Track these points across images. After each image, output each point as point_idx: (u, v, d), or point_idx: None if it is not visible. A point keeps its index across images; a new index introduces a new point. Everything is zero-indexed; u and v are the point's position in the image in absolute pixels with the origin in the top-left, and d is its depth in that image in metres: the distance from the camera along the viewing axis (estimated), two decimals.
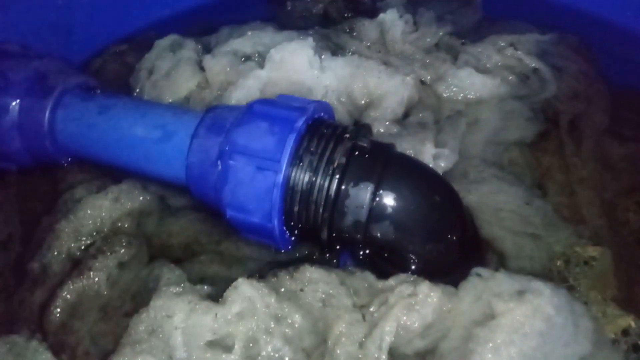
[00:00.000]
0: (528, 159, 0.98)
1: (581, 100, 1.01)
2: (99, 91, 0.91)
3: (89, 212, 0.81)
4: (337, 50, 1.08)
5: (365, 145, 0.74)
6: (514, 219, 0.86)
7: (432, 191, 0.75)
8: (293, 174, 0.73)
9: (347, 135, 0.75)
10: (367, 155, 0.74)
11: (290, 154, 0.73)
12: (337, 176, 0.72)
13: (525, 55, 1.01)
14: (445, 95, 0.98)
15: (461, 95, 0.98)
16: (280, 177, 0.72)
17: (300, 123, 0.74)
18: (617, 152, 0.98)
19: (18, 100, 0.88)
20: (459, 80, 0.97)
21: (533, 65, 1.00)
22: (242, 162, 0.74)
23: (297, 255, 0.84)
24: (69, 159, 0.94)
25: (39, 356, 0.68)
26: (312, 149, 0.74)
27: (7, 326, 0.71)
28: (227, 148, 0.75)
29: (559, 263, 0.87)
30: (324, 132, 0.76)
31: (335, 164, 0.72)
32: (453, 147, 0.89)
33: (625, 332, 0.75)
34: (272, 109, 0.77)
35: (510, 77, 0.99)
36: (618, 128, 1.01)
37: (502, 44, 1.03)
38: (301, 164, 0.74)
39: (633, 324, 0.76)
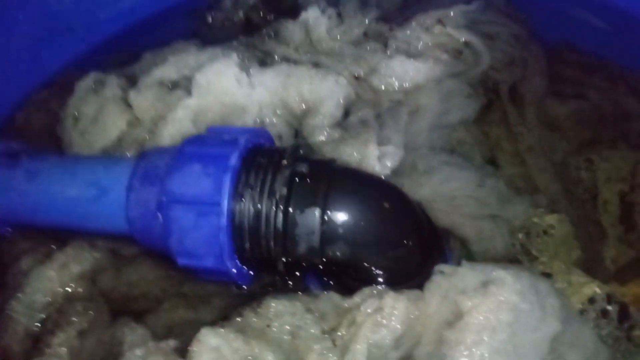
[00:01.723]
0: (476, 136, 0.97)
1: (517, 65, 0.99)
2: (23, 155, 0.87)
3: (37, 286, 0.78)
4: (265, 58, 1.04)
5: (304, 170, 0.71)
6: (470, 204, 0.86)
7: (380, 201, 0.73)
8: (237, 213, 0.71)
9: (285, 162, 0.72)
10: (308, 180, 0.71)
11: (229, 194, 0.70)
12: (282, 207, 0.70)
13: (454, 29, 0.98)
14: (382, 87, 0.96)
15: (397, 85, 0.95)
16: (224, 220, 0.70)
17: (234, 160, 0.71)
18: (561, 111, 0.98)
19: None
20: (391, 71, 0.94)
21: (463, 39, 0.98)
22: (182, 210, 0.71)
23: (262, 283, 0.83)
24: (9, 229, 0.90)
25: None
26: (251, 183, 0.71)
27: None
28: (164, 199, 0.72)
29: (520, 236, 0.88)
30: (261, 162, 0.73)
31: (277, 196, 0.70)
32: (397, 143, 0.87)
33: (592, 299, 0.76)
34: (202, 149, 0.74)
35: (443, 56, 0.97)
36: (558, 87, 1.00)
37: (429, 22, 1.00)
38: (243, 200, 0.71)
39: (598, 290, 0.77)
